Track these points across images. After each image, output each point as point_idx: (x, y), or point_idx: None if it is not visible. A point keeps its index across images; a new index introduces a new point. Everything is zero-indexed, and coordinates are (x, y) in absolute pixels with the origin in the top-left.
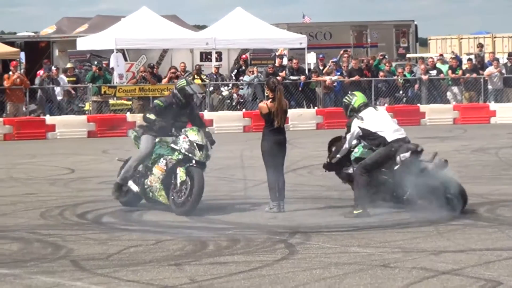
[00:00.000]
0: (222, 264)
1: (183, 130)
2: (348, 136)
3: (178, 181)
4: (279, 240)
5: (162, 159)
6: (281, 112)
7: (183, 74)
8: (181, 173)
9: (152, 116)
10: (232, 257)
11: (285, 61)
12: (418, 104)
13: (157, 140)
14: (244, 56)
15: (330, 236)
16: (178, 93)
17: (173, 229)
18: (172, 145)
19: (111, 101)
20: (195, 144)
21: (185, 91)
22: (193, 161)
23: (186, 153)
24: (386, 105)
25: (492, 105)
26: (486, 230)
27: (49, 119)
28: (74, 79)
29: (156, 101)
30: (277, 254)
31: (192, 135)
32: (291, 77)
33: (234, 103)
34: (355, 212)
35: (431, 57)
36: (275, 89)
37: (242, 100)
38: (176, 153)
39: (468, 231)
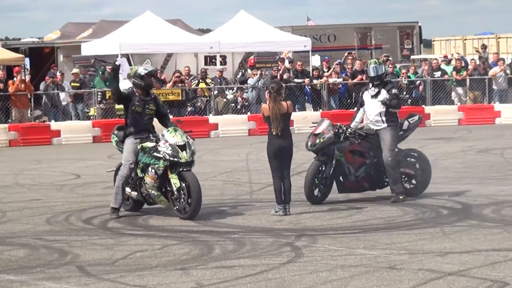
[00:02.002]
0: (229, 268)
1: (160, 135)
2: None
3: (174, 188)
4: (285, 243)
5: (150, 168)
6: (277, 119)
7: (187, 78)
8: (174, 180)
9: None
10: (238, 261)
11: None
12: (423, 106)
13: (139, 147)
14: (251, 61)
15: (336, 239)
16: (135, 79)
17: (179, 234)
18: (155, 154)
19: (116, 106)
20: (176, 147)
21: (138, 74)
22: (181, 164)
23: (171, 158)
24: None
25: (497, 106)
26: (492, 231)
27: (54, 124)
28: (78, 85)
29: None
30: (283, 257)
31: (171, 137)
32: (296, 80)
33: (238, 107)
34: (401, 197)
35: (436, 59)
36: (270, 94)
37: (246, 104)
38: (162, 161)
39: (474, 232)
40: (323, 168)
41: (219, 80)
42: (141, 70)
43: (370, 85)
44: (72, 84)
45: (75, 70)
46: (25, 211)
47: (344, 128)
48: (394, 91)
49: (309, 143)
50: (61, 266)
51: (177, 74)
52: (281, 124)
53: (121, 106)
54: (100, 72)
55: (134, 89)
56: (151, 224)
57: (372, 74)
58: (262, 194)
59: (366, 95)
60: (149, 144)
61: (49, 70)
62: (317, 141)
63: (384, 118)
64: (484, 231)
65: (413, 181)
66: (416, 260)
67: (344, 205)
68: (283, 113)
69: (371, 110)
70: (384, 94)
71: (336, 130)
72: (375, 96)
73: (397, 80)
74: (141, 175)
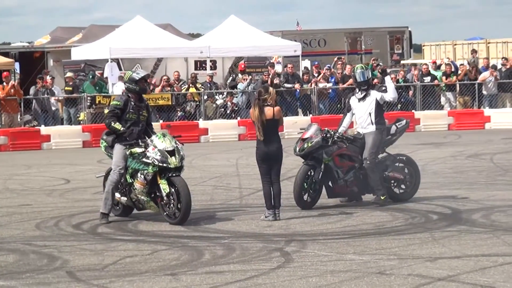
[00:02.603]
0: (218, 273)
1: (149, 140)
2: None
3: (163, 194)
4: (275, 248)
5: (139, 174)
6: (260, 124)
7: (176, 82)
8: (163, 186)
9: (118, 126)
10: (228, 266)
11: (279, 68)
12: (413, 111)
13: (127, 152)
14: (242, 65)
15: (325, 244)
16: (130, 84)
17: (168, 239)
18: (144, 159)
19: (106, 111)
20: (165, 152)
21: (133, 78)
22: (170, 169)
23: (160, 164)
24: None
25: (487, 111)
26: (481, 236)
27: (44, 129)
28: (70, 89)
29: (112, 103)
30: (273, 263)
31: (159, 142)
32: (286, 85)
33: (228, 111)
34: (382, 198)
35: (425, 64)
36: (254, 100)
37: (236, 108)
38: (151, 167)
39: (463, 237)
40: (312, 173)
41: (209, 85)
42: (135, 75)
43: (357, 89)
44: (66, 88)
45: (68, 74)
46: (15, 216)
47: (332, 132)
48: (383, 88)
49: (297, 148)
50: (50, 272)
51: (165, 78)
52: (265, 130)
53: None
54: (90, 77)
55: (129, 95)
56: (140, 229)
57: (359, 79)
58: (252, 199)
59: (353, 100)
60: (138, 150)
61: (39, 74)
62: (305, 145)
63: (373, 119)
64: (474, 236)
65: (402, 186)
66: (405, 265)
67: (334, 210)
68: (269, 119)
69: (360, 113)
70: (375, 94)
71: (324, 135)
72: (363, 99)
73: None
74: (131, 181)
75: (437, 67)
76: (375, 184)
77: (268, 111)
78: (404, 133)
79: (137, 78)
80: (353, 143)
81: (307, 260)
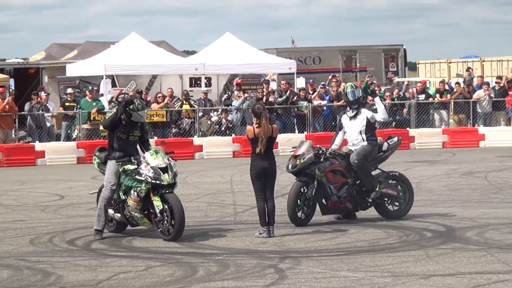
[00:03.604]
0: None
1: (141, 157)
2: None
3: (157, 210)
4: (269, 265)
5: (132, 191)
6: (265, 139)
7: (170, 99)
8: (156, 203)
9: (111, 117)
10: (222, 283)
11: (273, 86)
12: (407, 128)
13: (120, 169)
14: (238, 81)
15: (320, 261)
16: (130, 111)
17: (162, 255)
18: (137, 177)
19: (101, 128)
20: (158, 169)
21: (136, 116)
22: (163, 186)
23: (153, 181)
24: None
25: (481, 129)
26: (475, 254)
27: (38, 145)
28: (74, 104)
29: (109, 115)
30: (267, 279)
31: (152, 160)
32: (279, 99)
33: (223, 128)
34: (377, 189)
35: (419, 82)
36: (260, 115)
37: (231, 125)
38: (144, 184)
39: (457, 255)
40: (305, 190)
41: (203, 102)
42: (135, 117)
43: (348, 108)
44: (67, 104)
45: (69, 91)
46: (9, 232)
47: (324, 149)
48: (374, 107)
49: (290, 166)
50: (44, 287)
51: (160, 95)
52: (268, 145)
53: None
54: (90, 88)
55: (123, 116)
56: (134, 245)
57: (351, 98)
58: (246, 216)
59: (345, 118)
60: (131, 167)
61: (34, 90)
62: (297, 162)
63: (364, 136)
64: (468, 254)
65: (396, 203)
66: (399, 283)
67: (328, 227)
68: (270, 136)
69: (351, 131)
70: (366, 112)
71: (316, 152)
72: (354, 117)
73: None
74: (124, 198)
75: (426, 88)
76: (368, 182)
77: (270, 127)
78: (399, 151)
79: (136, 120)
80: (345, 159)
81: (301, 277)
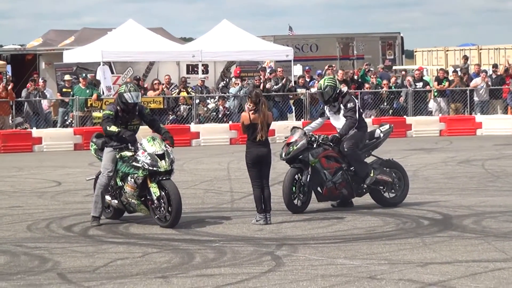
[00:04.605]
0: (209, 277)
1: (139, 144)
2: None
3: (154, 197)
4: (265, 252)
5: (129, 178)
6: (265, 125)
7: (168, 86)
8: (154, 189)
9: (114, 128)
10: (219, 269)
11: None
12: (405, 116)
13: (117, 156)
14: (237, 71)
15: (316, 248)
16: (119, 99)
17: (159, 242)
18: (134, 163)
19: (94, 114)
20: (155, 156)
21: (122, 97)
22: (160, 173)
23: (150, 167)
24: (372, 117)
25: (478, 117)
26: (472, 242)
27: (35, 132)
28: (70, 90)
29: (105, 112)
30: (264, 266)
31: (149, 146)
32: (275, 87)
33: (220, 116)
34: (372, 175)
35: (417, 69)
36: (259, 101)
37: (228, 112)
38: (141, 170)
39: (454, 243)
40: (300, 176)
41: (200, 89)
42: (129, 97)
43: (328, 106)
44: (64, 90)
45: (67, 77)
46: (6, 218)
47: (316, 136)
48: (349, 105)
49: (283, 153)
50: (41, 273)
51: (156, 82)
52: (266, 131)
53: (100, 114)
54: (84, 75)
55: (118, 108)
56: (132, 232)
57: (326, 97)
58: (243, 203)
59: (329, 110)
60: (128, 153)
61: (31, 77)
62: (291, 149)
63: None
64: (465, 242)
65: (392, 190)
66: (396, 270)
67: (325, 215)
68: (268, 122)
69: (338, 124)
70: (343, 110)
71: (309, 139)
72: (338, 112)
73: (380, 90)
74: (121, 184)
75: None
76: (360, 169)
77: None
78: (396, 139)
79: (130, 102)
80: (337, 146)
81: (298, 264)
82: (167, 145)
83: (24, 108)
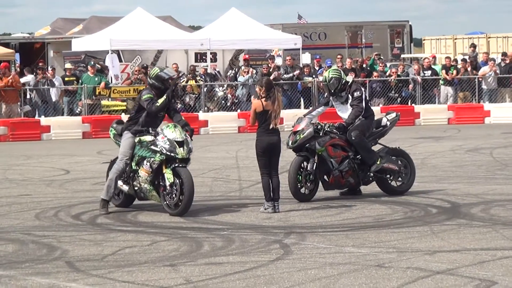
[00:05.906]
0: (217, 265)
1: (159, 129)
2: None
3: (167, 183)
4: (274, 240)
5: (145, 161)
6: (278, 113)
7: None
8: (168, 175)
9: (161, 100)
10: (227, 258)
11: (279, 61)
12: (413, 105)
13: (136, 140)
14: (245, 56)
15: (325, 236)
16: (156, 82)
17: (168, 230)
18: (152, 147)
19: (103, 102)
20: (174, 142)
21: (160, 77)
22: (177, 160)
23: (167, 153)
24: (380, 105)
25: (487, 105)
26: (480, 230)
27: (44, 120)
28: (74, 78)
29: (146, 96)
30: (272, 255)
31: (170, 132)
32: (285, 76)
33: (228, 104)
34: (378, 162)
35: (427, 58)
36: (273, 88)
37: (236, 101)
38: (158, 155)
39: (462, 231)
40: (305, 165)
41: (204, 77)
42: (163, 74)
43: (335, 97)
44: (67, 79)
45: (67, 66)
46: (14, 206)
47: (323, 124)
48: (356, 94)
49: (290, 142)
50: (50, 262)
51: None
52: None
53: (110, 103)
54: (92, 63)
55: (152, 92)
56: (140, 220)
57: (332, 88)
58: (252, 191)
59: (336, 101)
60: (148, 138)
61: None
62: (298, 137)
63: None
64: (473, 230)
65: (399, 179)
66: (404, 259)
67: (333, 203)
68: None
69: (346, 115)
70: (350, 99)
71: (316, 127)
72: (346, 101)
73: (388, 78)
74: (135, 168)
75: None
76: (368, 158)
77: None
78: (404, 127)
79: (166, 78)
80: (344, 134)
81: (306, 253)
82: (187, 135)
83: (32, 97)
